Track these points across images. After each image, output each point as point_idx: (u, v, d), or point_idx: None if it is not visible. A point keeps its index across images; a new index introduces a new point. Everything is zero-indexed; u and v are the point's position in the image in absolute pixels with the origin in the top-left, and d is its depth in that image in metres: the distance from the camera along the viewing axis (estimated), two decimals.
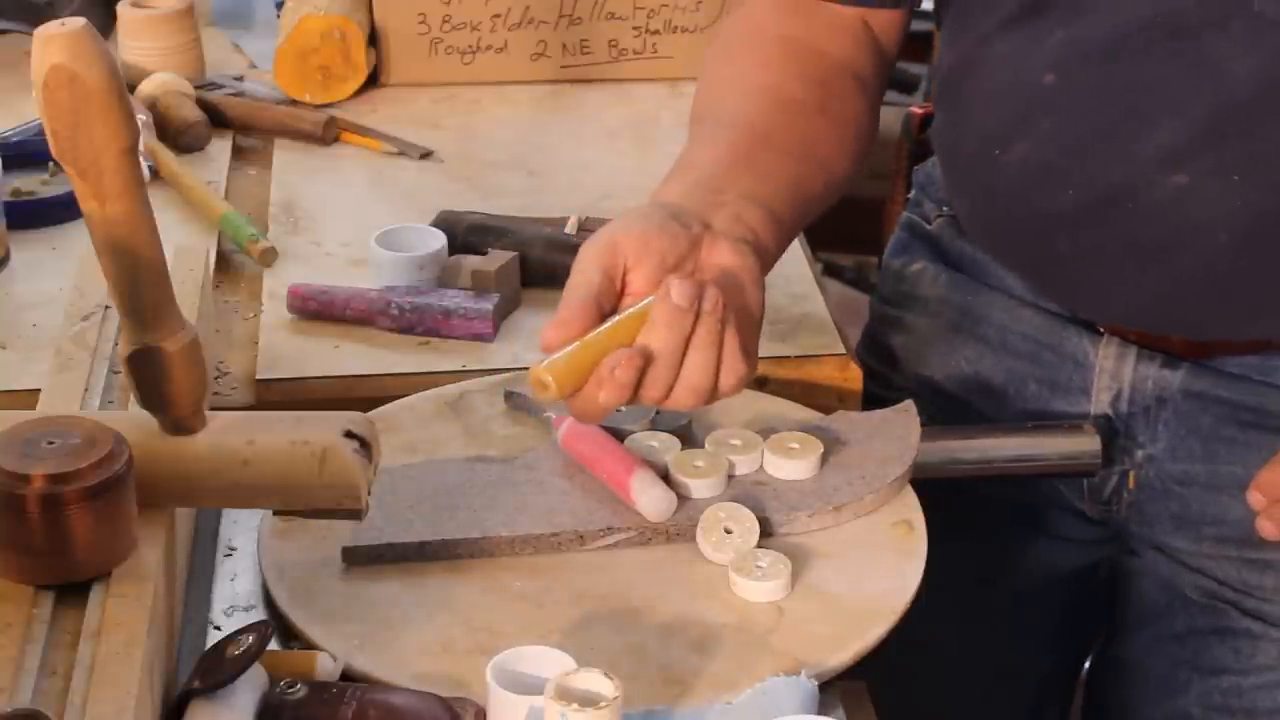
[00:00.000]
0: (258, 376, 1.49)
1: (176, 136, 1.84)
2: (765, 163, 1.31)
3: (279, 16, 2.03)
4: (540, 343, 1.18)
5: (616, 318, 1.19)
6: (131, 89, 1.81)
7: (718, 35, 1.45)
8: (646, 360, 1.17)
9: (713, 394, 1.20)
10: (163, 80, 1.88)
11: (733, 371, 1.19)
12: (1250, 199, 1.31)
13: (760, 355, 1.50)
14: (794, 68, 1.39)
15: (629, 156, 1.86)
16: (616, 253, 1.20)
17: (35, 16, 1.93)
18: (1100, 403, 1.46)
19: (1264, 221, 1.31)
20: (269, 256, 1.64)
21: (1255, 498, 1.37)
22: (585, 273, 1.19)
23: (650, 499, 1.28)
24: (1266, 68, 1.27)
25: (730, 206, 1.26)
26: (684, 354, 1.18)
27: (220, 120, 1.89)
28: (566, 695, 1.04)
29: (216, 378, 1.49)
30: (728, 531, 1.26)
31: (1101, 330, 1.46)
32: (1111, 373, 1.45)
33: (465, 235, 1.63)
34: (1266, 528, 1.37)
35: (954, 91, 1.44)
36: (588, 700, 1.03)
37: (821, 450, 1.34)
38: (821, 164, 1.36)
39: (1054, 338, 1.48)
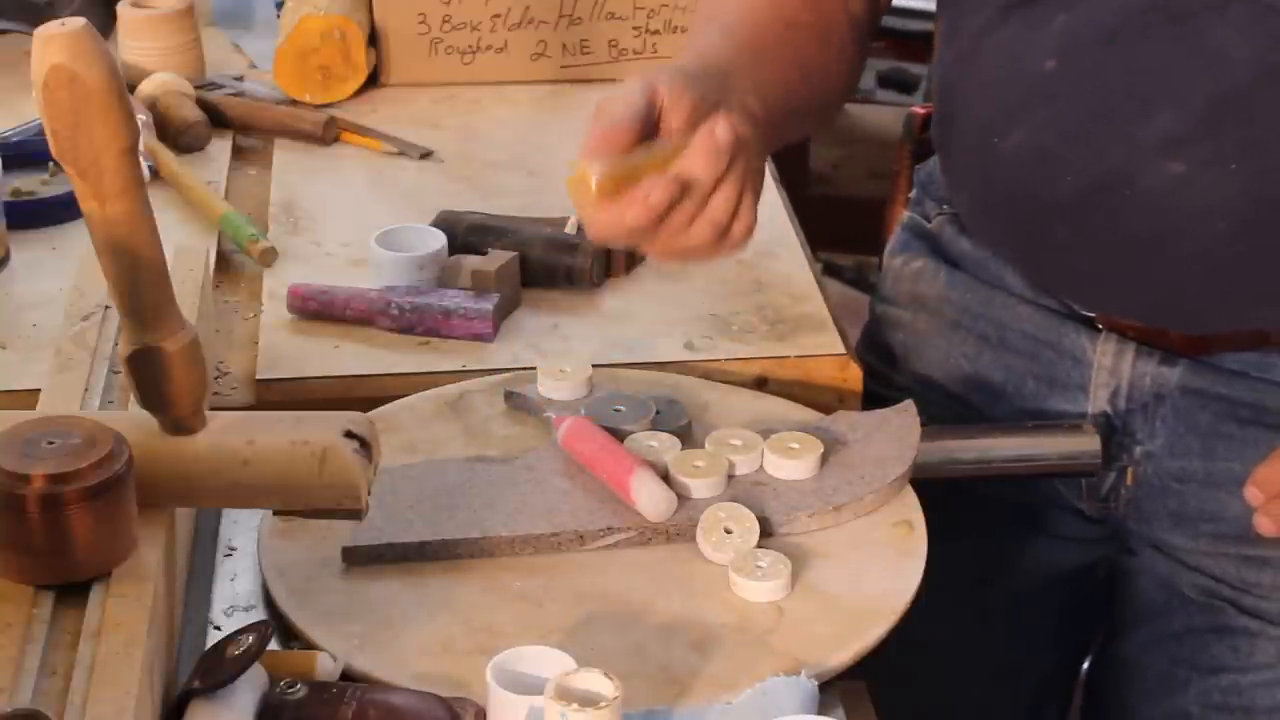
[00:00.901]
0: (258, 376, 1.49)
1: (176, 136, 1.84)
2: (766, 67, 1.35)
3: (279, 16, 2.03)
4: (583, 145, 1.21)
5: (659, 146, 1.22)
6: (131, 89, 1.81)
7: None
8: (682, 190, 1.21)
9: (725, 237, 1.24)
10: (163, 80, 1.88)
11: (744, 219, 1.24)
12: (1248, 187, 1.31)
13: (760, 355, 1.51)
14: None
15: None
16: (657, 88, 1.24)
17: (35, 16, 1.93)
18: (1098, 400, 1.46)
19: (1262, 209, 1.31)
20: (269, 256, 1.64)
21: (1253, 494, 1.37)
22: (629, 94, 1.23)
23: (650, 499, 1.28)
24: (1265, 54, 1.27)
25: (736, 95, 1.29)
26: (712, 192, 1.22)
27: (220, 120, 1.89)
28: (566, 695, 1.04)
29: (216, 378, 1.49)
30: (728, 531, 1.26)
31: (1100, 327, 1.46)
32: (1109, 369, 1.46)
33: (465, 235, 1.63)
34: (1264, 524, 1.37)
35: (953, 82, 1.44)
36: (588, 700, 1.04)
37: (821, 450, 1.34)
38: (817, 82, 1.42)
39: (1052, 335, 1.48)
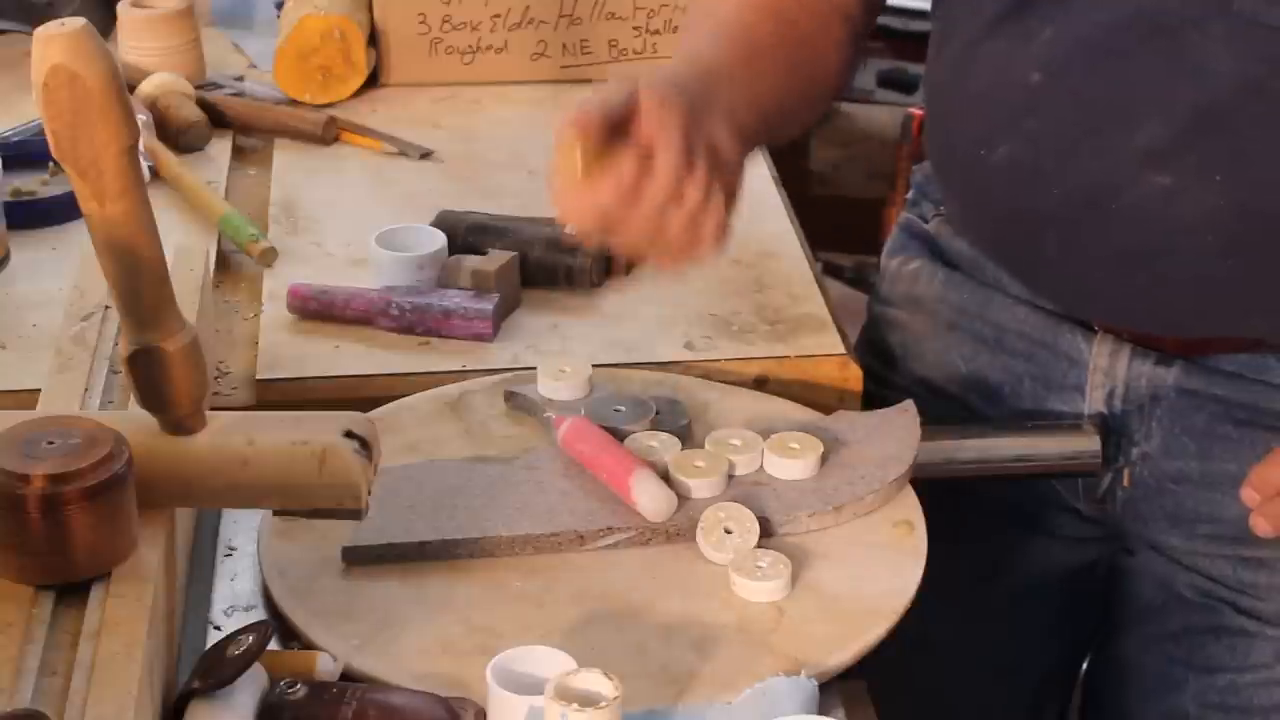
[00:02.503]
0: (258, 376, 1.49)
1: (176, 136, 1.84)
2: (758, 69, 1.36)
3: (279, 16, 2.03)
4: (561, 123, 1.23)
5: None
6: (131, 89, 1.81)
7: None
8: (647, 166, 1.21)
9: (698, 233, 1.23)
10: (163, 80, 1.88)
11: (715, 213, 1.23)
12: (1233, 199, 1.31)
13: (760, 355, 1.51)
14: None
15: None
16: (639, 93, 1.23)
17: (35, 16, 1.93)
18: (1095, 400, 1.46)
19: (1248, 221, 1.32)
20: (269, 256, 1.64)
21: (1249, 495, 1.37)
22: (611, 89, 1.24)
23: (650, 499, 1.28)
24: (1246, 67, 1.28)
25: (723, 103, 1.29)
26: (680, 193, 1.22)
27: (220, 120, 1.89)
28: (566, 695, 1.04)
29: (216, 378, 1.49)
30: (728, 531, 1.26)
31: (1095, 328, 1.46)
32: (1105, 370, 1.46)
33: (465, 235, 1.63)
34: (1261, 525, 1.37)
35: (943, 92, 1.45)
36: (588, 700, 1.04)
37: (821, 450, 1.34)
38: (809, 80, 1.42)
39: (1049, 336, 1.48)
